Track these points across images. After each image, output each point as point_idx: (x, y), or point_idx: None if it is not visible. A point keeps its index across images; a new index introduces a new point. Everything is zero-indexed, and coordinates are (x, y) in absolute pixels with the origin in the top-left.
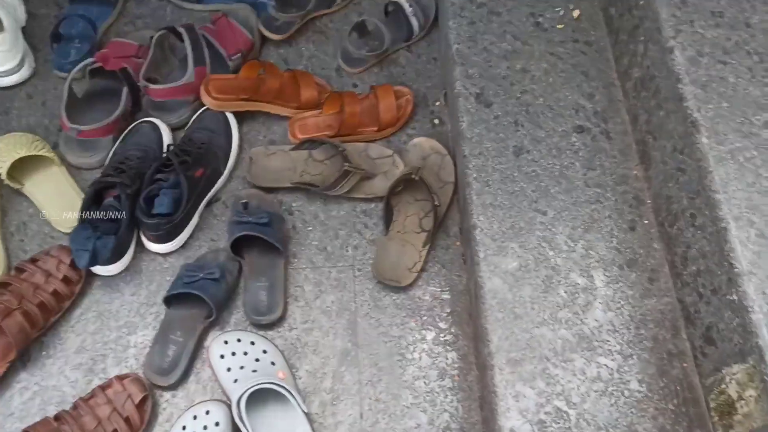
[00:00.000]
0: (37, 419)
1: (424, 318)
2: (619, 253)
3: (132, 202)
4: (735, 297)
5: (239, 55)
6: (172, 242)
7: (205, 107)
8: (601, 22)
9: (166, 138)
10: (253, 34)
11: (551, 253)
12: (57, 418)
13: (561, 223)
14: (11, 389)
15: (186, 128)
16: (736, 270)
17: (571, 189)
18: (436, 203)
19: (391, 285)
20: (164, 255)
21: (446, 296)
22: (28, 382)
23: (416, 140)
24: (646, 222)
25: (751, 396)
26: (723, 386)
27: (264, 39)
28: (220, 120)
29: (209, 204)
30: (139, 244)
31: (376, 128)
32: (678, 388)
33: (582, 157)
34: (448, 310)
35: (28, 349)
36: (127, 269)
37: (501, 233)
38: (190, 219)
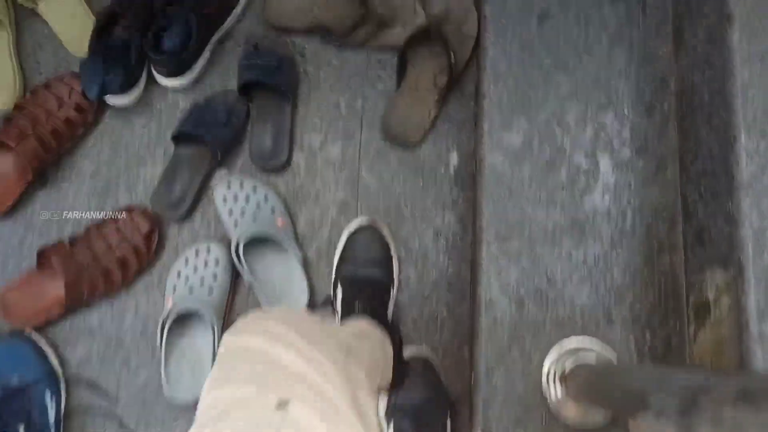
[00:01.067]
0: (55, 237)
1: (427, 177)
2: (631, 138)
3: (141, 33)
4: (730, 206)
5: None
6: (182, 77)
7: None
8: None
9: None
10: None
11: (559, 131)
12: (71, 240)
13: (575, 100)
14: (32, 207)
15: None
16: (736, 181)
17: (592, 64)
18: (452, 60)
19: (399, 141)
20: (175, 89)
21: (453, 157)
22: (46, 202)
23: None
24: (665, 108)
25: (725, 304)
26: (704, 287)
27: None
28: None
29: (222, 41)
30: (151, 77)
31: None
32: (662, 279)
33: (611, 29)
34: (454, 172)
35: (45, 172)
36: (138, 102)
37: (510, 106)
38: (200, 54)
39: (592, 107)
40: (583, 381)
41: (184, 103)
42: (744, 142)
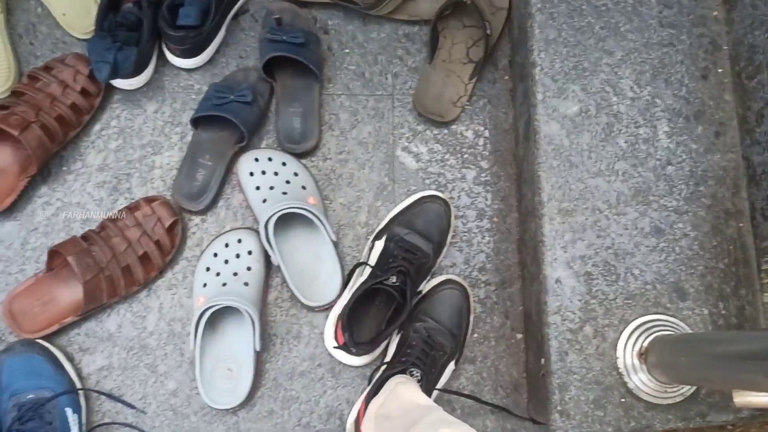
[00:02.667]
0: (63, 236)
1: (466, 156)
2: (688, 103)
3: (154, 9)
4: None
5: None
6: (198, 57)
7: None
8: None
9: None
10: None
11: (615, 99)
12: (85, 238)
13: (628, 66)
14: (33, 204)
15: None
16: None
17: (643, 28)
18: (488, 32)
19: (433, 119)
20: (189, 70)
21: (490, 134)
22: (50, 197)
23: None
24: (720, 71)
25: None
26: None
27: None
28: None
29: (236, 16)
30: (161, 57)
31: None
32: (731, 247)
33: None
34: (491, 149)
35: (47, 163)
36: (148, 84)
37: (563, 74)
38: (217, 32)
39: (646, 72)
40: (668, 354)
41: (199, 85)
42: None
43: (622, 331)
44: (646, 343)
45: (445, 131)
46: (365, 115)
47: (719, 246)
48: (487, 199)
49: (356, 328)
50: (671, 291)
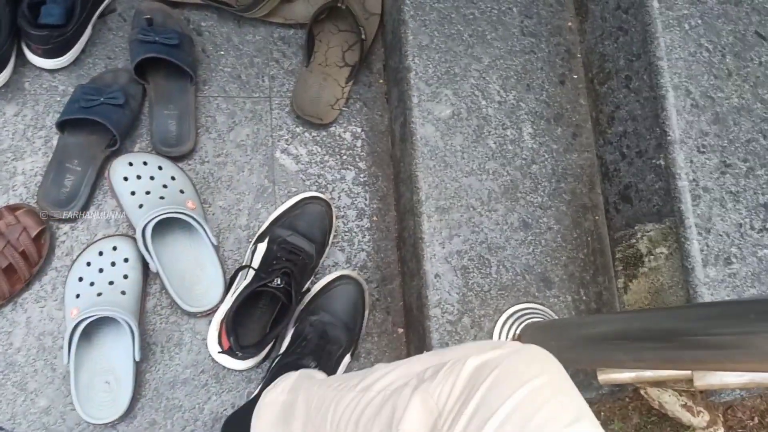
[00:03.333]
0: None
1: (344, 157)
2: (548, 106)
3: (12, 6)
4: (662, 162)
5: None
6: (62, 57)
7: None
8: None
9: None
10: None
11: (484, 102)
12: None
13: (495, 72)
14: None
15: None
16: (668, 137)
17: (507, 36)
18: (363, 36)
19: (312, 121)
20: (52, 71)
21: (367, 136)
22: None
23: None
24: (575, 77)
25: (661, 253)
26: (633, 241)
27: None
28: None
29: (102, 15)
30: (20, 56)
31: None
32: (589, 239)
33: (520, 2)
34: (368, 150)
35: None
36: (6, 85)
37: (436, 78)
38: (83, 31)
39: (511, 78)
40: (539, 339)
41: (64, 86)
42: (673, 100)
43: (497, 321)
44: (518, 331)
45: (324, 133)
46: (243, 118)
47: (579, 238)
48: (366, 199)
49: (241, 332)
50: (539, 280)
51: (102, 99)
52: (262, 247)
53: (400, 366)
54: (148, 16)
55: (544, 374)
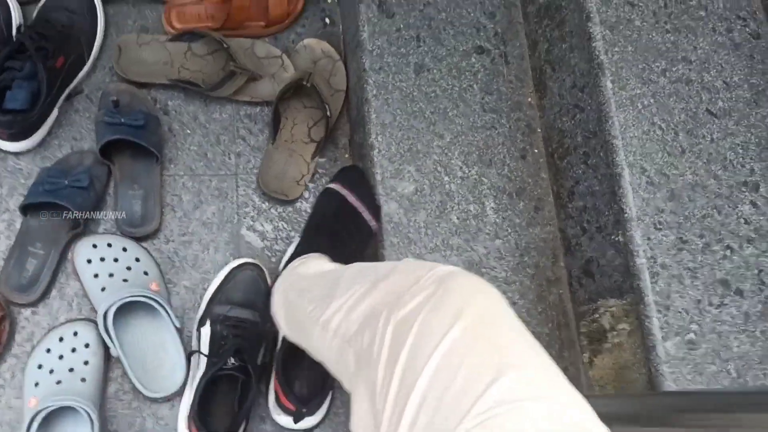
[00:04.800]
0: None
1: None
2: (510, 180)
3: None
4: (620, 239)
5: None
6: (27, 140)
7: None
8: None
9: (16, 17)
10: None
11: (446, 178)
12: None
13: (457, 147)
14: None
15: (39, 6)
16: (626, 215)
17: (468, 113)
18: (328, 113)
19: (277, 197)
20: (17, 154)
21: None
22: None
23: (306, 41)
24: (536, 151)
25: (623, 329)
26: (597, 316)
27: None
28: None
29: (70, 97)
30: None
31: (263, 23)
32: (553, 313)
33: (480, 80)
34: None
35: None
36: None
37: (399, 155)
38: (48, 114)
39: (473, 153)
40: None
41: (29, 168)
42: (629, 178)
43: None
44: None
45: (290, 209)
46: (209, 195)
47: (544, 312)
48: None
49: (210, 420)
50: None
51: (66, 182)
52: (205, 330)
53: (347, 300)
54: (115, 98)
55: (462, 319)
